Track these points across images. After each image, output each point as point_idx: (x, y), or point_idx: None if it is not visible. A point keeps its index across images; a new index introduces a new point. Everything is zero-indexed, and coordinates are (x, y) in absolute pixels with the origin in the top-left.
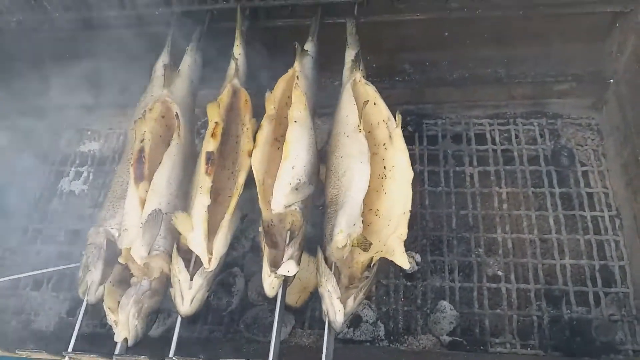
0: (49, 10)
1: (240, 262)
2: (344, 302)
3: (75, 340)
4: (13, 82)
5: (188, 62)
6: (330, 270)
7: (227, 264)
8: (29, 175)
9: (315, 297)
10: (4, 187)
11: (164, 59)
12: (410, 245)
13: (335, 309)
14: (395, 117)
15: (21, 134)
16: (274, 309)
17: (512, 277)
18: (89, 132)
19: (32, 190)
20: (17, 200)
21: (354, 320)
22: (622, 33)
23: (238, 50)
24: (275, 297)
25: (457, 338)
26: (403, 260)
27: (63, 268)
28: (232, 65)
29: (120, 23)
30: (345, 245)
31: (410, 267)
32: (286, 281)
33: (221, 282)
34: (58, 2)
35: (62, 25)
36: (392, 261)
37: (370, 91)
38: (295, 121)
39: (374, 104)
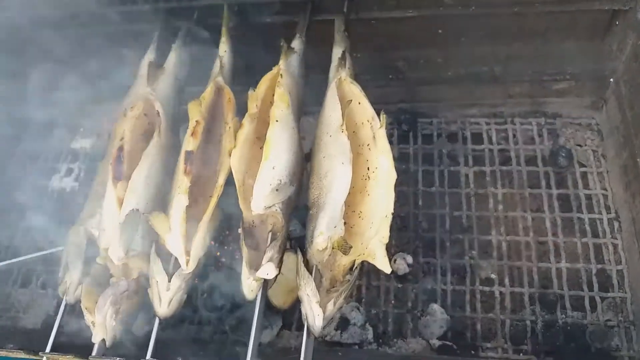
0: (37, 7)
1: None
2: (323, 306)
3: (59, 339)
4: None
5: (173, 60)
6: (311, 273)
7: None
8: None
9: None
10: None
11: (149, 56)
12: (402, 246)
13: (314, 313)
14: (379, 117)
15: (13, 130)
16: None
17: (506, 280)
18: (81, 129)
19: (23, 186)
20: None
21: (342, 323)
22: (622, 31)
23: (224, 47)
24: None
25: (447, 342)
26: (384, 264)
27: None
28: (217, 63)
29: (109, 20)
30: (325, 248)
31: (402, 270)
32: (266, 284)
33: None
34: None
35: (50, 22)
36: None
37: (355, 90)
38: (277, 120)
39: (359, 103)
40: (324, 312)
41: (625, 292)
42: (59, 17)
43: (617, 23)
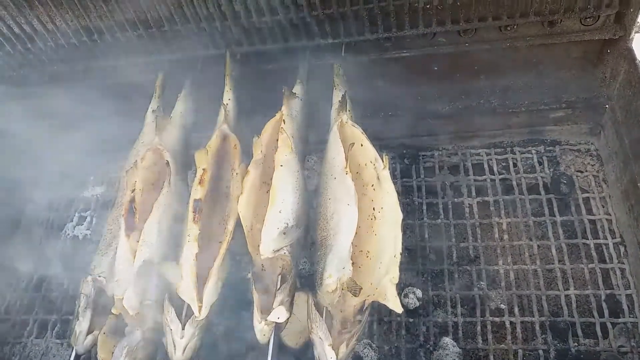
0: (46, 64)
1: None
2: (336, 348)
3: None
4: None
5: (180, 109)
6: (322, 315)
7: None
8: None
9: None
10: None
11: (153, 106)
12: (411, 279)
13: (327, 356)
14: (382, 158)
15: (25, 179)
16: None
17: (516, 310)
18: (92, 177)
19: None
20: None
21: None
22: (614, 59)
23: (227, 95)
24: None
25: None
26: (395, 305)
27: None
28: (222, 111)
29: (117, 72)
30: (335, 290)
31: (412, 305)
32: (279, 327)
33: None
34: (54, 55)
35: (59, 77)
36: None
37: (356, 132)
38: (282, 165)
39: (361, 145)
40: (336, 355)
41: (636, 317)
42: (68, 71)
43: (608, 51)
